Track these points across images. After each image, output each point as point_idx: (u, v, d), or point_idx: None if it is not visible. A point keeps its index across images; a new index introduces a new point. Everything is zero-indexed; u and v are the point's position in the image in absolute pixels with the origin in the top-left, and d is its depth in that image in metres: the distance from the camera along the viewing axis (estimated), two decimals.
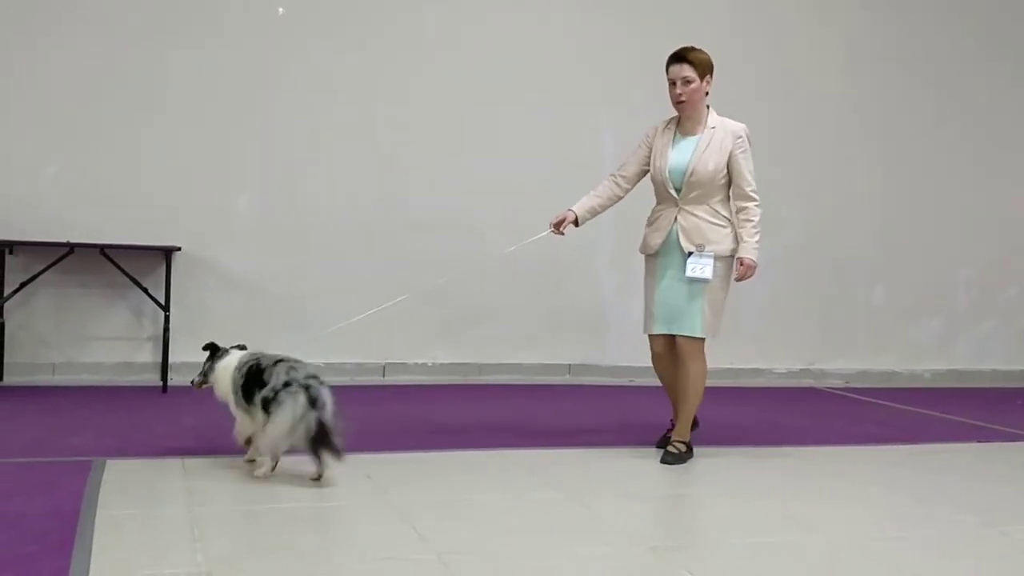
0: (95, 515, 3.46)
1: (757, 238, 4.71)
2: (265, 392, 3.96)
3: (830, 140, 8.03)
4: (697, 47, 4.73)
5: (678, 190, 4.71)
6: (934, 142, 8.30)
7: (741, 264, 4.69)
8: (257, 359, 4.14)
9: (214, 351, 4.37)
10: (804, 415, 6.48)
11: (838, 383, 8.01)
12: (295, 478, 4.18)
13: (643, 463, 4.85)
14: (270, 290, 6.85)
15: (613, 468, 4.75)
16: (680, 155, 4.71)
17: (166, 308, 6.36)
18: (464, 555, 3.23)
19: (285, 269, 6.88)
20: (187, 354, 6.60)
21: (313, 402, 3.89)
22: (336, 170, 6.92)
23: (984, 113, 8.44)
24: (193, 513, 3.54)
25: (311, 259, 6.92)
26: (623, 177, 4.92)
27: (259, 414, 4.00)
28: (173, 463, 4.32)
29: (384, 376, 7.06)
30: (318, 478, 4.00)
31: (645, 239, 4.89)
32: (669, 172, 4.72)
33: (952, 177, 8.36)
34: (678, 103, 4.71)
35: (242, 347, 4.38)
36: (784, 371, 7.94)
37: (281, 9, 6.82)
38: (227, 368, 4.21)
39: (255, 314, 6.81)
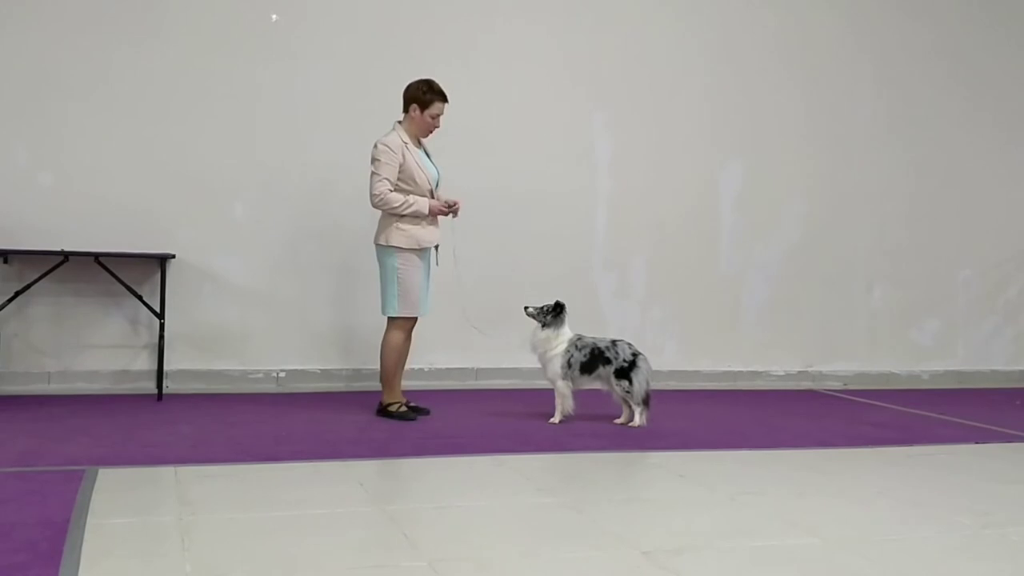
0: (85, 524, 3.44)
1: None
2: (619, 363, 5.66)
3: (829, 142, 8.02)
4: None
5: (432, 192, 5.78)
6: (933, 144, 8.29)
7: None
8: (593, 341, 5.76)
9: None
10: (802, 417, 6.46)
11: (837, 385, 7.99)
12: (289, 486, 4.17)
13: (638, 468, 4.84)
14: (265, 297, 6.84)
15: (608, 473, 4.74)
16: (431, 165, 5.77)
17: (161, 316, 6.35)
18: (456, 562, 3.21)
19: (280, 276, 6.86)
20: (182, 362, 6.63)
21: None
22: (331, 177, 6.89)
23: (986, 115, 8.43)
24: (184, 522, 3.52)
25: (306, 266, 6.90)
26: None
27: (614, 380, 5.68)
28: (166, 471, 4.30)
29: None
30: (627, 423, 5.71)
31: (427, 236, 5.69)
32: (435, 180, 5.77)
33: (951, 178, 8.35)
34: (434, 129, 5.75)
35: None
36: (783, 373, 7.91)
37: (275, 16, 6.81)
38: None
39: (250, 321, 6.81)
